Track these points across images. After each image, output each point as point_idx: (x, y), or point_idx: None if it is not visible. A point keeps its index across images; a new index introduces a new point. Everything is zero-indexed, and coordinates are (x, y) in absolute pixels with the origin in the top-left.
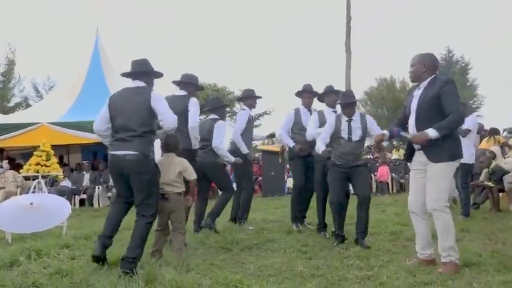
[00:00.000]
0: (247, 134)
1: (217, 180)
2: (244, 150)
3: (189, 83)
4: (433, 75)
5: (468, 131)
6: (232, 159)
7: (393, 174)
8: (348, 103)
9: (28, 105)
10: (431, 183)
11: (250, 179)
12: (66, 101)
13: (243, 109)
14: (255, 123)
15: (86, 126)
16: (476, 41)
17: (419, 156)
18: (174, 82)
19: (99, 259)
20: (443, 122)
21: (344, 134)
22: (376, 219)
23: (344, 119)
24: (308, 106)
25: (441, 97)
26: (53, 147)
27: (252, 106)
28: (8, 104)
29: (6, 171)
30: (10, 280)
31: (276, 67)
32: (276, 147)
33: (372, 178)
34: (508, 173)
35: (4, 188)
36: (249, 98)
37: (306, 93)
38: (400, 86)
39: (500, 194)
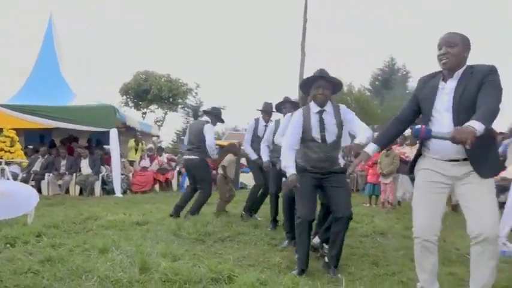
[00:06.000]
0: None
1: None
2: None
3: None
4: (467, 64)
5: None
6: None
7: None
8: (321, 78)
9: None
10: (483, 202)
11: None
12: (15, 83)
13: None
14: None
15: (36, 110)
16: (416, 51)
17: (448, 168)
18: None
19: (174, 216)
20: (484, 111)
21: (315, 134)
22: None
23: (313, 110)
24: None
25: (482, 88)
26: None
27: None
28: None
29: None
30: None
31: (233, 63)
32: (231, 142)
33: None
34: None
35: None
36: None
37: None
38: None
39: None
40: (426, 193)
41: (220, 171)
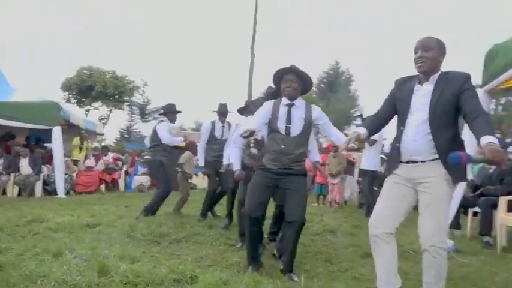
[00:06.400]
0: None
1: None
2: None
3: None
4: (441, 70)
5: (375, 141)
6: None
7: None
8: (289, 72)
9: None
10: (431, 209)
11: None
12: None
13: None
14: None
15: None
16: (359, 56)
17: (406, 171)
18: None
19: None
20: (488, 124)
21: (280, 124)
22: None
23: (283, 102)
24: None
25: (463, 95)
26: None
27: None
28: None
29: None
30: None
31: (184, 62)
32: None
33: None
34: None
35: None
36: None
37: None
38: None
39: None
40: (389, 191)
41: (178, 169)
